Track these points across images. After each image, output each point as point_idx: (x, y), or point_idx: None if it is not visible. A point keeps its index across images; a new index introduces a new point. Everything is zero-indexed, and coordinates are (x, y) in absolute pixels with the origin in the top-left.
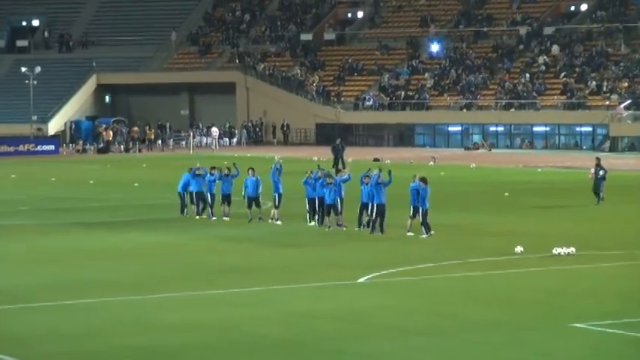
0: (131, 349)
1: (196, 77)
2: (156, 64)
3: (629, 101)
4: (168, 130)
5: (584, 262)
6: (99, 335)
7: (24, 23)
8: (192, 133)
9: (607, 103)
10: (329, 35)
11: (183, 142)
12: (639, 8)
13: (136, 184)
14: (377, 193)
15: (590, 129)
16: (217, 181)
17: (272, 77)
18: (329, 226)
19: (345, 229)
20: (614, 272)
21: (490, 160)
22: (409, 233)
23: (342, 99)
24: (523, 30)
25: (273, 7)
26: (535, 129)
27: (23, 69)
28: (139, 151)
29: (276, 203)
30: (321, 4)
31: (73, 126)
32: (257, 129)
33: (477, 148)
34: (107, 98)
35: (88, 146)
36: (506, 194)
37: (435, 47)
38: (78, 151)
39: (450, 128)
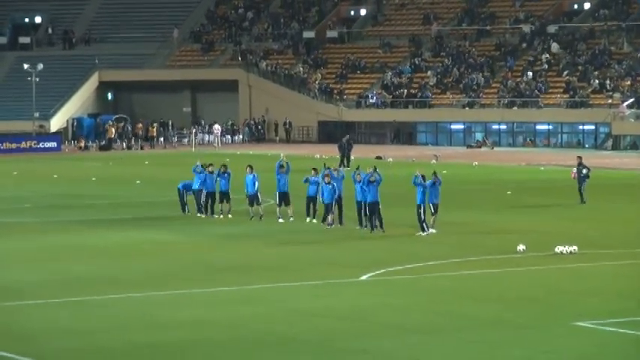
0: (137, 346)
1: (199, 75)
2: (158, 62)
3: (631, 100)
4: (170, 127)
5: (586, 261)
6: (106, 332)
7: (26, 20)
8: (194, 131)
9: (609, 101)
10: (331, 33)
11: (186, 140)
12: None
13: (137, 182)
14: (369, 191)
15: (592, 127)
16: (217, 178)
17: (274, 75)
18: (329, 224)
19: (329, 227)
20: (616, 271)
21: (492, 158)
22: (431, 230)
23: (345, 97)
24: (526, 28)
25: (275, 5)
26: (538, 127)
27: (25, 66)
28: (141, 148)
29: (277, 201)
30: (324, 1)
31: (76, 123)
32: (259, 127)
33: (480, 147)
34: (109, 95)
35: (90, 143)
36: (509, 192)
37: None
38: (80, 148)
39: (453, 126)
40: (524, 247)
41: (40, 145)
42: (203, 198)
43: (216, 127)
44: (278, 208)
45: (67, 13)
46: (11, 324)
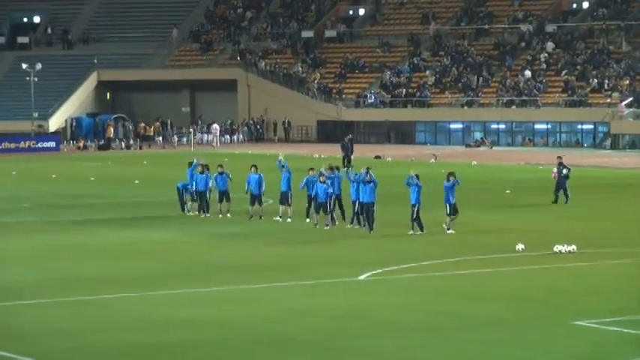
0: (136, 346)
1: (198, 74)
2: (157, 61)
3: (630, 99)
4: (169, 127)
5: (585, 260)
6: (105, 331)
7: (25, 20)
8: (193, 130)
9: (608, 100)
10: (330, 32)
11: (185, 139)
12: None
13: (136, 181)
14: (364, 192)
15: (591, 127)
16: (215, 178)
17: (273, 74)
18: (326, 224)
19: (327, 227)
20: (615, 270)
21: (491, 157)
22: (449, 231)
23: (344, 96)
24: (524, 27)
25: (274, 5)
26: (536, 126)
27: (24, 66)
28: (140, 148)
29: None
30: (323, 1)
31: (74, 123)
32: (258, 126)
33: (479, 146)
34: (108, 95)
35: (89, 143)
36: (508, 192)
37: None
38: (79, 147)
39: (452, 126)
40: (523, 247)
41: (39, 144)
42: (208, 196)
43: (215, 127)
44: (281, 207)
45: (66, 13)
46: (11, 324)
